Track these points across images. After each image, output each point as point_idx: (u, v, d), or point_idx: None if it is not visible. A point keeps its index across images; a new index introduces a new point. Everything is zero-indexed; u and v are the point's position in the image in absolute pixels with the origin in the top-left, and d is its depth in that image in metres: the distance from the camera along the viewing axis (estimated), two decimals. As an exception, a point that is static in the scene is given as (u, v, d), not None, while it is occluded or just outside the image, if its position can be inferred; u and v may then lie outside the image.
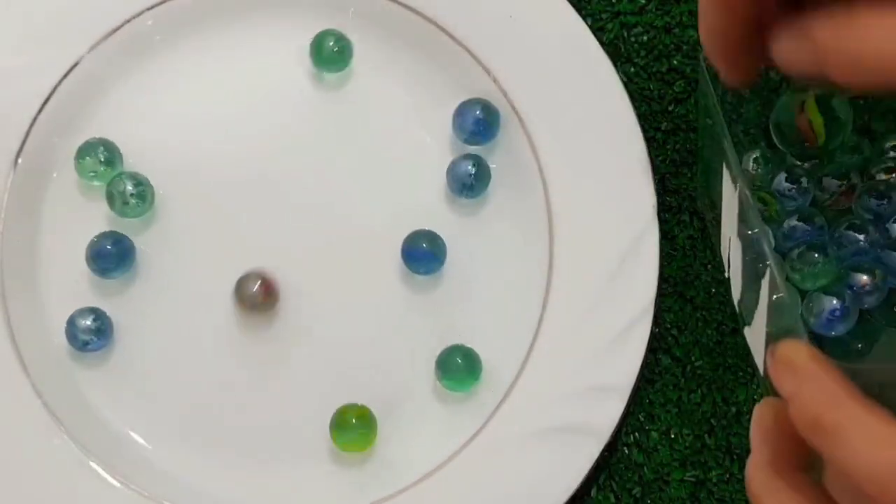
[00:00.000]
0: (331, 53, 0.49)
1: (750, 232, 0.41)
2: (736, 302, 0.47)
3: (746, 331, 0.46)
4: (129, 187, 0.47)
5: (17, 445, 0.45)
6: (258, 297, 0.47)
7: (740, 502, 0.47)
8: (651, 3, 0.52)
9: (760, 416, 0.37)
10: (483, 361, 0.47)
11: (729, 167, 0.43)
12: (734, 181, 0.42)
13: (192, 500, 0.45)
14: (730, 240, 0.45)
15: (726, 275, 0.47)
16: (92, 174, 0.48)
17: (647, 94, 0.51)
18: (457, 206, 0.49)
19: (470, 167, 0.48)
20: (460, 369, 0.46)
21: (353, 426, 0.46)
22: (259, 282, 0.47)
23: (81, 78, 0.49)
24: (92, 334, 0.46)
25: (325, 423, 0.46)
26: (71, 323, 0.46)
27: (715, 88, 0.43)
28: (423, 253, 0.47)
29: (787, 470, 0.36)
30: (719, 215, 0.46)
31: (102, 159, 0.48)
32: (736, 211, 0.43)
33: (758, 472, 0.36)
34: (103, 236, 0.47)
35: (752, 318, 0.44)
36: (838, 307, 0.42)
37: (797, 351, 0.35)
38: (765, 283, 0.41)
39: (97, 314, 0.47)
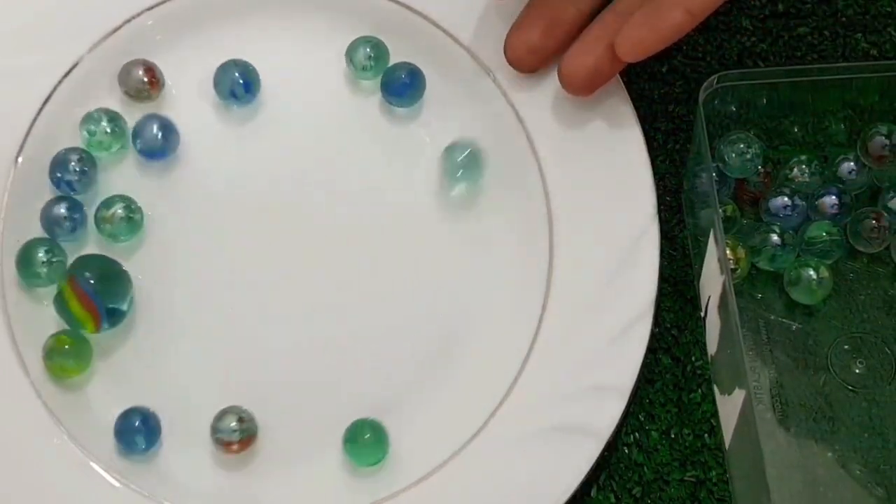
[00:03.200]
0: (366, 61, 0.49)
1: (729, 336, 0.44)
2: (710, 355, 0.48)
3: (718, 396, 0.47)
4: (120, 211, 0.47)
5: (17, 445, 0.45)
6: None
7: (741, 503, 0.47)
8: (651, 4, 0.52)
9: None
10: (483, 362, 0.47)
11: (717, 241, 0.44)
12: (720, 265, 0.44)
13: (192, 500, 0.45)
14: (709, 298, 0.46)
15: (702, 313, 0.48)
16: (100, 144, 0.48)
17: (647, 94, 0.51)
18: (456, 205, 0.49)
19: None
20: (367, 443, 0.45)
21: None
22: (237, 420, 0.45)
23: (81, 78, 0.49)
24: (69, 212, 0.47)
25: (325, 425, 0.46)
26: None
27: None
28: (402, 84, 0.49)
29: None
30: (704, 240, 0.46)
31: (109, 130, 0.48)
32: (719, 282, 0.44)
33: None
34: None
35: (725, 387, 0.45)
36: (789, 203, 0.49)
37: None
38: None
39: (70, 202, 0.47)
